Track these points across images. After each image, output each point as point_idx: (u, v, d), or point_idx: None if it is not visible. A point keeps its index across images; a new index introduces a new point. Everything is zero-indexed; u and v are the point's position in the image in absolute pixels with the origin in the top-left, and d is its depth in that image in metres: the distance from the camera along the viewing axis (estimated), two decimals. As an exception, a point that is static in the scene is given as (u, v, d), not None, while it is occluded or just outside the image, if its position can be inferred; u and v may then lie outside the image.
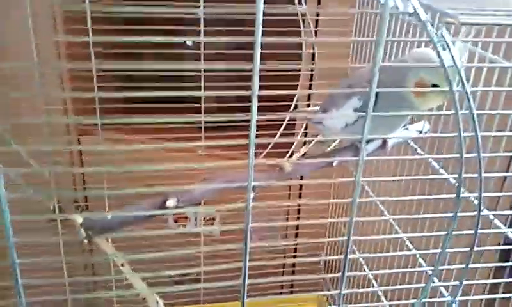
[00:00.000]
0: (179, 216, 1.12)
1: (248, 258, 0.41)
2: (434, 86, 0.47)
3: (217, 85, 0.69)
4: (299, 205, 1.10)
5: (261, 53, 0.32)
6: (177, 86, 0.37)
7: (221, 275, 0.46)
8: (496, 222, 0.53)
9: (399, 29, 0.67)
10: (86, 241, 0.37)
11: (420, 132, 0.63)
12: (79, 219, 0.37)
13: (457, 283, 0.46)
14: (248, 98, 0.34)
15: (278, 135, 0.89)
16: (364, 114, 0.37)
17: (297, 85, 0.93)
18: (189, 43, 1.23)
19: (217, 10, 0.37)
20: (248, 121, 0.35)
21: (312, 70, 0.96)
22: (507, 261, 0.53)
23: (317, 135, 0.65)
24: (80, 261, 1.15)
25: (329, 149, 0.62)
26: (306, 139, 0.82)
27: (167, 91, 0.34)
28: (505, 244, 0.54)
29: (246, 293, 0.41)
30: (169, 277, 0.49)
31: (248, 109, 0.35)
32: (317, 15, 0.91)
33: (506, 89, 0.46)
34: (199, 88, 0.86)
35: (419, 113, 0.52)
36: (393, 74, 0.49)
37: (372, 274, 0.79)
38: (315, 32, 0.93)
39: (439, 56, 0.35)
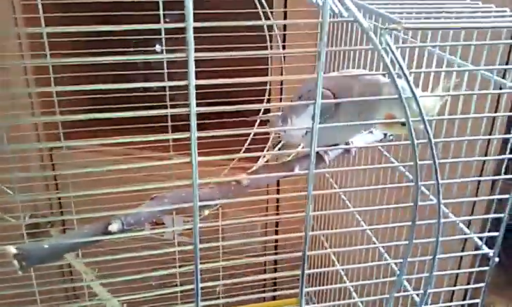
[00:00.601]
0: (156, 224, 1.10)
1: (199, 279, 0.39)
2: (403, 124, 0.46)
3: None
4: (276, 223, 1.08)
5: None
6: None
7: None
8: (464, 228, 0.52)
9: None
10: (20, 272, 0.35)
11: (385, 135, 0.62)
12: (12, 249, 0.34)
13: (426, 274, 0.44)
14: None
15: (246, 143, 0.88)
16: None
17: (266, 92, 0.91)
18: (158, 47, 1.20)
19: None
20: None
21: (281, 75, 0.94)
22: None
23: (279, 142, 0.64)
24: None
25: (291, 155, 0.61)
26: (261, 154, 0.80)
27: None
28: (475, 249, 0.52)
29: (199, 299, 0.39)
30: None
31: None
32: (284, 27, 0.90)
33: (462, 93, 0.45)
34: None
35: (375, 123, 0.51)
36: (367, 89, 0.48)
37: (342, 269, 0.78)
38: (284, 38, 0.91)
39: (394, 84, 0.33)
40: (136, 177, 0.97)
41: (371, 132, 0.61)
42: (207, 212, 0.50)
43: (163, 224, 1.10)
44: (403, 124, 0.43)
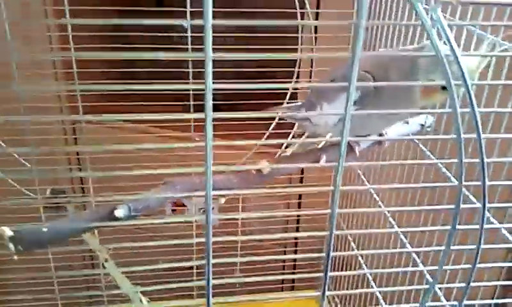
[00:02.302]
0: (176, 206, 1.07)
1: (211, 275, 0.36)
2: (444, 88, 0.41)
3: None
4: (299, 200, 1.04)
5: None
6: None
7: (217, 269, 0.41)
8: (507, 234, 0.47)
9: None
10: (15, 257, 0.31)
11: (423, 126, 0.57)
12: (7, 231, 0.31)
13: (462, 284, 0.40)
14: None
15: (267, 134, 0.84)
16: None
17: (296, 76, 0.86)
18: (185, 24, 1.17)
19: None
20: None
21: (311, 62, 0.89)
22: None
23: (302, 134, 0.59)
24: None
25: (320, 145, 0.56)
26: (287, 141, 0.76)
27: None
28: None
29: (210, 294, 0.36)
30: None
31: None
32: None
33: (504, 83, 0.40)
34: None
35: (415, 111, 0.46)
36: (402, 65, 0.43)
37: (370, 273, 0.73)
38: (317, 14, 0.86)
39: (434, 45, 0.29)
40: (155, 156, 0.95)
41: (407, 122, 0.56)
42: (222, 201, 0.46)
43: (183, 205, 1.07)
44: (444, 88, 0.38)
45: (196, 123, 0.87)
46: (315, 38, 0.87)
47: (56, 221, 0.34)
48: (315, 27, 0.87)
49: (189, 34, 0.80)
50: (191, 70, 0.80)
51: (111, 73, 0.95)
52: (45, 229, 0.33)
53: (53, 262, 0.92)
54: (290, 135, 0.80)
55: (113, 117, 0.32)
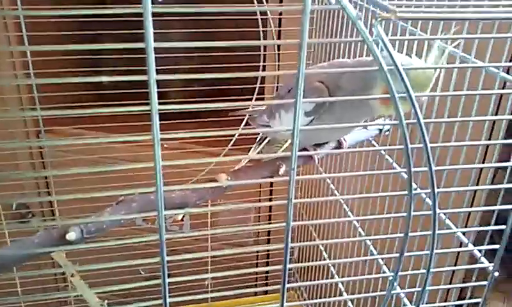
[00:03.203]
0: (147, 217, 1.06)
1: (167, 294, 0.35)
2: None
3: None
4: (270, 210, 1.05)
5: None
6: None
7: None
8: (462, 238, 0.48)
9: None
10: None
11: (381, 131, 0.58)
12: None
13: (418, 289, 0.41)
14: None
15: (240, 129, 0.83)
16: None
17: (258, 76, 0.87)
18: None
19: None
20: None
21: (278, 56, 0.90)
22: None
23: (264, 139, 0.59)
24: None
25: (279, 151, 0.56)
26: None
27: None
28: (470, 261, 0.48)
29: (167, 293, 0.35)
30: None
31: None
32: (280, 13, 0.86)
33: (464, 93, 0.40)
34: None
35: (362, 125, 0.47)
36: (357, 79, 0.43)
37: (339, 279, 0.74)
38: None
39: (376, 57, 0.29)
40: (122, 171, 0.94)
41: (365, 127, 0.57)
42: (180, 217, 0.46)
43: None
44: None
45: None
46: (278, 55, 0.88)
47: (1, 249, 0.33)
48: (278, 45, 0.88)
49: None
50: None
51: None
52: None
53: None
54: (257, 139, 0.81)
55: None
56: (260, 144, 0.60)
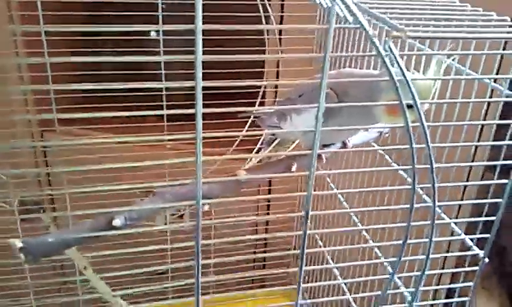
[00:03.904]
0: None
1: (200, 274, 0.40)
2: (409, 106, 0.46)
3: (181, 73, 0.67)
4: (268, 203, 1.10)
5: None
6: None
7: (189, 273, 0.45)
8: (454, 228, 0.54)
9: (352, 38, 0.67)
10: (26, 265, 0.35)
11: (381, 134, 0.63)
12: (18, 243, 0.35)
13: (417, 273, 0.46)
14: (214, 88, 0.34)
15: (244, 130, 0.88)
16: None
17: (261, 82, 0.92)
18: (153, 34, 1.20)
19: None
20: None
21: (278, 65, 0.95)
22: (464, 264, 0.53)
23: (274, 140, 0.64)
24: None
25: (287, 151, 0.61)
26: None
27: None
28: (462, 249, 0.54)
29: (200, 292, 0.40)
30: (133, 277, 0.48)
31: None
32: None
33: (458, 101, 0.46)
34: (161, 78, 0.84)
35: (376, 125, 0.52)
36: (365, 89, 0.48)
37: (336, 267, 0.79)
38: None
39: (389, 72, 0.34)
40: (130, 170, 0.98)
41: (366, 130, 0.62)
42: (206, 207, 0.50)
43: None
44: (409, 107, 0.43)
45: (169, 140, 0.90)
46: (280, 40, 0.93)
47: (59, 231, 0.38)
48: (280, 31, 0.92)
49: (161, 37, 0.83)
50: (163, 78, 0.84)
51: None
52: (50, 240, 0.36)
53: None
54: (260, 140, 0.86)
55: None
56: (269, 144, 0.65)
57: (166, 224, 1.17)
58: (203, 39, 0.31)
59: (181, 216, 1.15)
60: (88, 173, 0.45)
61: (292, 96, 0.58)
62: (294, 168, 0.53)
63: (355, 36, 0.69)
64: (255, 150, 0.85)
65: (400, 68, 0.34)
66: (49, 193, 1.11)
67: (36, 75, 0.86)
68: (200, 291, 0.41)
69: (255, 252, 1.16)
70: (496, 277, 1.18)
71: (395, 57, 0.34)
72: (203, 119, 0.34)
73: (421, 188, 0.52)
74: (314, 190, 0.40)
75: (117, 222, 0.38)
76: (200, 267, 0.39)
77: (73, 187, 0.37)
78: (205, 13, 0.31)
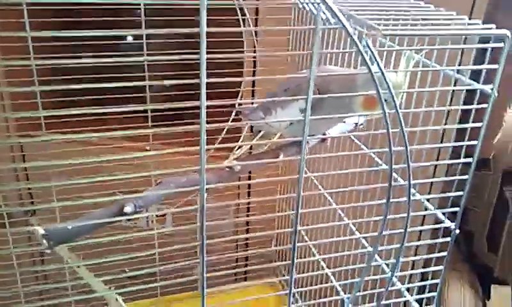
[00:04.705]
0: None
1: (205, 254, 0.44)
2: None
3: (162, 74, 0.70)
4: (248, 203, 1.14)
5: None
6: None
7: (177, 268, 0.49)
8: (427, 205, 0.59)
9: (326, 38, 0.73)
10: (48, 251, 0.39)
11: (356, 125, 0.68)
12: (40, 230, 0.39)
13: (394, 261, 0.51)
14: (194, 87, 0.37)
15: (225, 129, 0.92)
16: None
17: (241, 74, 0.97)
18: (129, 38, 1.23)
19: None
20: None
21: (254, 58, 0.99)
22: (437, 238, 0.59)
23: (258, 132, 0.69)
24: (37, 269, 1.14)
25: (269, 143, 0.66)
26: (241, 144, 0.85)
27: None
28: (435, 223, 0.60)
29: (205, 286, 0.44)
30: (124, 273, 0.52)
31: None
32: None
33: (427, 90, 0.52)
34: (143, 80, 0.87)
35: (355, 115, 0.57)
36: (344, 85, 0.54)
37: (321, 258, 0.84)
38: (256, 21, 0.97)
39: (368, 66, 0.39)
40: (111, 167, 1.01)
41: (344, 121, 0.68)
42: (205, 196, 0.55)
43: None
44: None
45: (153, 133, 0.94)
46: (256, 40, 0.98)
47: (77, 220, 0.41)
48: (255, 32, 0.97)
49: (144, 40, 0.85)
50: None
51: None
52: (69, 227, 0.40)
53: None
54: (242, 136, 0.90)
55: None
56: (253, 138, 0.70)
57: (148, 224, 1.21)
58: (186, 42, 0.35)
59: (163, 216, 1.19)
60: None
61: (277, 91, 0.63)
62: (281, 157, 0.58)
63: (329, 37, 0.74)
64: (238, 143, 0.89)
65: (378, 63, 0.39)
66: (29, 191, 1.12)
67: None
68: (206, 285, 0.44)
69: (237, 247, 1.21)
70: (465, 259, 1.27)
71: (373, 53, 0.39)
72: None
73: (395, 170, 0.58)
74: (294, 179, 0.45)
75: (128, 209, 0.42)
76: (205, 263, 0.43)
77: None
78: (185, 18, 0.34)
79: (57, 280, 1.13)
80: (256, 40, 0.97)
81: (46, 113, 0.39)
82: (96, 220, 0.41)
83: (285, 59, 0.92)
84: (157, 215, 1.18)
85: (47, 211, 1.07)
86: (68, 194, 0.54)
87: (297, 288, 0.81)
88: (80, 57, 0.37)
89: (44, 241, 0.38)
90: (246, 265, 1.23)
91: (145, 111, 0.92)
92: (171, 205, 1.03)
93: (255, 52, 0.94)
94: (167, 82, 0.37)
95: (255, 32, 0.96)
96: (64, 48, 0.78)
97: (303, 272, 0.95)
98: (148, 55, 0.86)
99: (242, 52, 0.93)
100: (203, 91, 0.38)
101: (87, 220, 0.41)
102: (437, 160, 0.69)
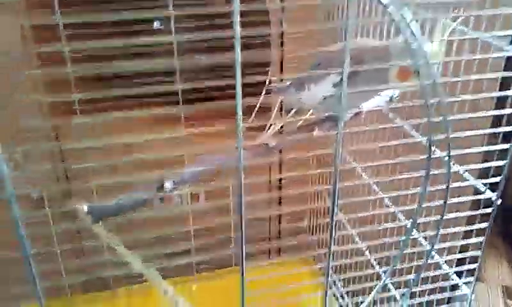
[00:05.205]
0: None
1: (244, 228, 0.44)
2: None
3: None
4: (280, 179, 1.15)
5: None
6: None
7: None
8: (467, 175, 0.58)
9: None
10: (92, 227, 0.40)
11: (391, 98, 0.67)
12: (85, 207, 0.40)
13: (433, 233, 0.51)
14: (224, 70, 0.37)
15: (257, 106, 0.92)
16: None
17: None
18: (156, 24, 1.23)
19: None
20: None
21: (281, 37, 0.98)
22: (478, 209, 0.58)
23: (290, 109, 0.69)
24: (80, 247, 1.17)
25: (303, 118, 0.66)
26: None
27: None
28: (476, 194, 0.59)
29: (244, 260, 0.45)
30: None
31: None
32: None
33: (463, 58, 0.51)
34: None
35: (391, 87, 0.56)
36: (377, 55, 0.53)
37: (355, 232, 0.84)
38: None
39: (404, 35, 0.39)
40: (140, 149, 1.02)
41: (379, 94, 0.67)
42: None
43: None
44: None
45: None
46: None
47: (117, 198, 0.43)
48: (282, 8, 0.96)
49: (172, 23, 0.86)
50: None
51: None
52: (110, 204, 0.41)
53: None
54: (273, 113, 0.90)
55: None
56: (287, 114, 0.69)
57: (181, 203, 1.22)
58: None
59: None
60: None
61: (310, 67, 0.62)
62: (315, 132, 0.58)
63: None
64: (270, 120, 0.89)
65: (413, 33, 0.39)
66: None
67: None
68: (244, 259, 0.45)
69: (269, 224, 1.21)
70: (502, 235, 1.25)
71: (408, 23, 0.38)
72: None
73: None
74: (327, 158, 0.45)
75: (167, 185, 0.43)
76: (244, 238, 0.43)
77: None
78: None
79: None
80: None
81: (81, 95, 0.39)
82: (138, 196, 0.42)
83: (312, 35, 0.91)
84: (191, 193, 1.20)
85: (80, 194, 1.09)
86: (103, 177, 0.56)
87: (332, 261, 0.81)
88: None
89: (88, 217, 0.40)
90: (279, 239, 1.24)
91: (176, 94, 0.92)
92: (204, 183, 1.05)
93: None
94: (200, 58, 0.37)
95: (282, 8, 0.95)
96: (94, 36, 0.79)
97: (337, 245, 0.96)
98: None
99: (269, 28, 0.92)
100: (238, 67, 0.38)
101: (127, 197, 0.42)
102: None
